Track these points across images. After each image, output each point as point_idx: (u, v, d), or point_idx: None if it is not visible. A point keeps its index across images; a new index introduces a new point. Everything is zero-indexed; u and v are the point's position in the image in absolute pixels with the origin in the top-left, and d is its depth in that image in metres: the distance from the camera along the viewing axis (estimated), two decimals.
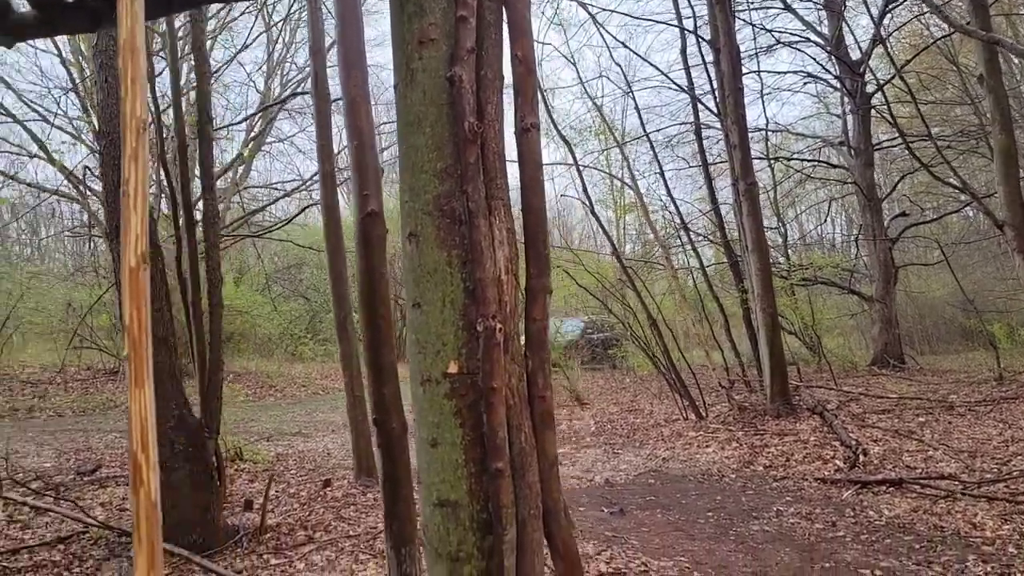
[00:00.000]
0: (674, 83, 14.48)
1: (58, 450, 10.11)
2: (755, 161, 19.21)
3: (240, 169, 24.56)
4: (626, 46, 14.22)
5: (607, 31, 16.11)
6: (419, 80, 2.33)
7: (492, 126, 2.30)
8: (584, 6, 13.16)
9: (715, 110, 13.70)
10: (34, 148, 15.89)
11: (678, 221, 15.15)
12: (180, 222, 7.60)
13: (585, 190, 12.29)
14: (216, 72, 17.93)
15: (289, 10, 18.67)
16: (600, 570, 5.46)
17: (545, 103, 11.96)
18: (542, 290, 2.34)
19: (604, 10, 15.05)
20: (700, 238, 17.91)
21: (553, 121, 11.98)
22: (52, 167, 15.43)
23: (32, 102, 16.24)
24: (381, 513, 7.02)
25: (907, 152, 15.36)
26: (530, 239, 2.36)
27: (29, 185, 16.85)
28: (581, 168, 12.85)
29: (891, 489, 7.47)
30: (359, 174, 2.80)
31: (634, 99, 15.41)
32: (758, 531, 6.54)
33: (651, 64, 15.08)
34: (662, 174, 14.88)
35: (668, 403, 12.96)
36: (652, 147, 15.05)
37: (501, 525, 2.18)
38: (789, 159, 18.75)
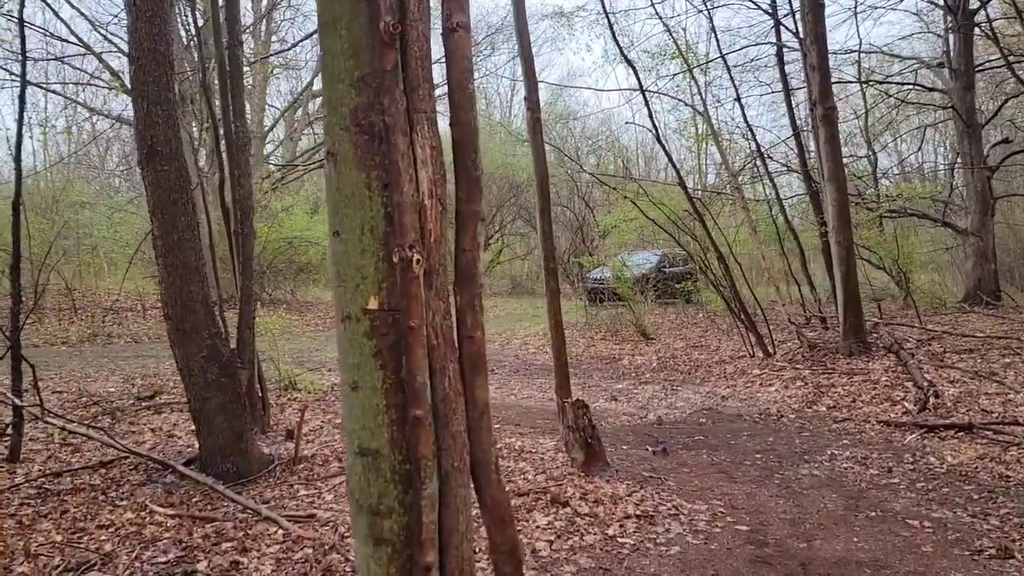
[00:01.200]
0: (753, 1, 13.57)
1: (126, 375, 10.44)
2: (847, 85, 18.09)
3: (318, 100, 24.62)
4: None
5: None
6: None
7: (415, 27, 2.00)
8: None
9: (795, 30, 12.81)
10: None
11: (754, 149, 14.40)
12: (222, 150, 7.54)
13: (651, 116, 11.71)
14: None
15: None
16: (627, 512, 5.25)
17: (610, 24, 11.36)
18: (472, 217, 2.06)
19: None
20: (780, 167, 17.07)
21: (618, 43, 11.39)
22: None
23: (105, 30, 16.47)
24: None
25: (1011, 74, 14.12)
26: (458, 158, 2.07)
27: (108, 117, 17.23)
28: (649, 94, 12.26)
29: (959, 434, 6.97)
30: None
31: (710, 19, 14.56)
32: (806, 475, 6.20)
33: None
34: (739, 99, 14.10)
35: (736, 340, 12.50)
36: (729, 70, 14.25)
37: (420, 478, 1.96)
38: (881, 82, 17.54)
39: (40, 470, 6.23)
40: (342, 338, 2.09)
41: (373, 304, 2.01)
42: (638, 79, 11.45)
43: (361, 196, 2.01)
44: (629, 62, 11.52)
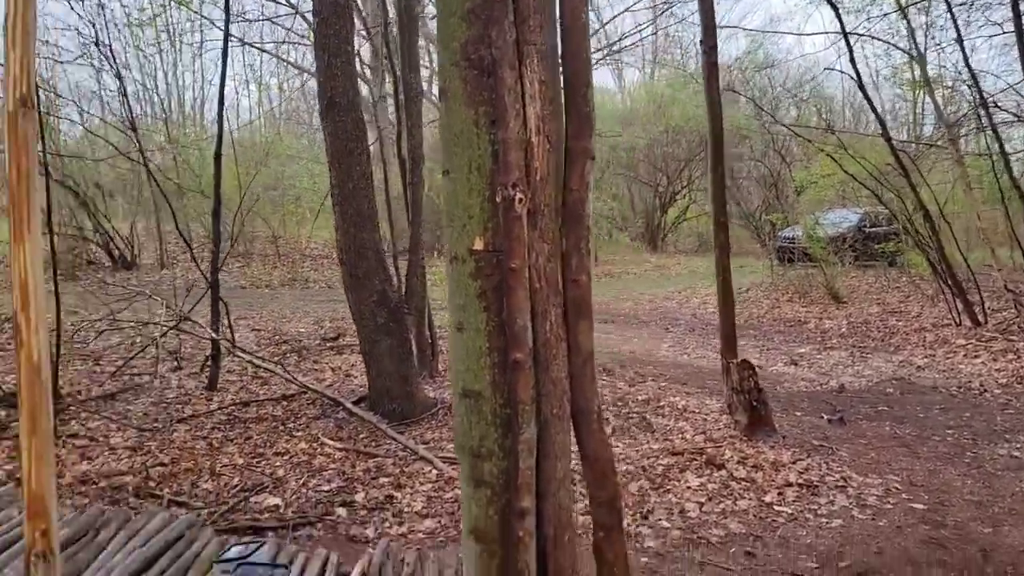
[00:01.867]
0: None
1: (317, 317, 11.16)
2: None
3: None
4: None
5: None
6: None
7: None
8: None
9: None
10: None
11: (976, 98, 12.98)
12: (400, 101, 7.78)
13: (853, 62, 10.83)
14: None
15: None
16: (788, 480, 4.99)
17: None
18: (582, 154, 1.95)
19: None
20: (1009, 117, 15.32)
21: None
22: None
23: None
24: None
25: None
26: (569, 92, 1.96)
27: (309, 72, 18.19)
28: (855, 37, 11.35)
29: None
30: None
31: None
32: (1003, 456, 5.62)
33: None
34: (960, 42, 12.71)
35: (942, 307, 11.47)
36: (950, 9, 12.86)
37: (518, 423, 1.91)
38: None
39: (232, 399, 6.81)
40: (450, 279, 2.07)
41: (479, 244, 1.97)
42: (840, 21, 10.60)
43: (469, 133, 1.96)
44: (831, 2, 10.68)
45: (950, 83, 15.47)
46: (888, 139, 10.30)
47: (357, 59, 14.60)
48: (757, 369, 9.06)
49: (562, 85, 2.00)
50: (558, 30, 1.98)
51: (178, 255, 16.87)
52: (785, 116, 25.79)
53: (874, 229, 17.33)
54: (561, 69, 1.98)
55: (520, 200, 1.87)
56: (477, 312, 2.00)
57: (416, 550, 3.65)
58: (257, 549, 2.76)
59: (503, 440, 1.98)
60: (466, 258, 2.01)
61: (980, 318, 10.52)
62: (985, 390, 7.65)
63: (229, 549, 2.78)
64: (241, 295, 14.20)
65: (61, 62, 13.58)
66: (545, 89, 1.92)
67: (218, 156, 7.54)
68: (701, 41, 5.99)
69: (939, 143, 13.49)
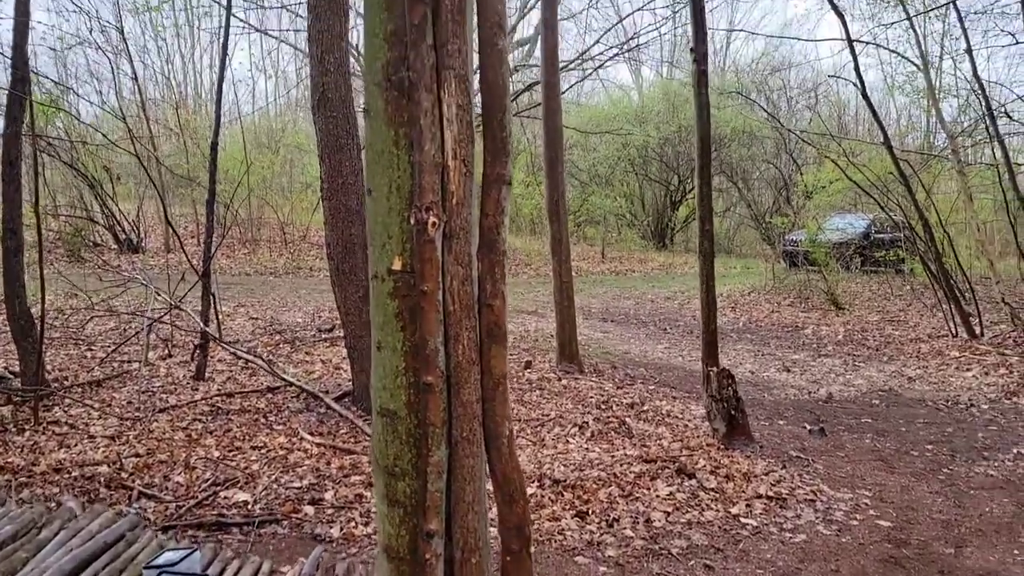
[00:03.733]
0: None
1: (316, 307, 11.21)
2: None
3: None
4: None
5: None
6: None
7: None
8: None
9: None
10: None
11: (983, 107, 12.86)
12: None
13: (857, 70, 10.74)
14: None
15: None
16: (758, 492, 4.98)
17: None
18: (496, 180, 1.95)
19: None
20: (1017, 127, 15.16)
21: None
22: None
23: None
24: (565, 401, 6.96)
25: None
26: (486, 118, 1.97)
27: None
28: (859, 44, 11.26)
29: None
30: None
31: None
32: (979, 474, 5.59)
33: None
34: (970, 52, 12.59)
35: (940, 318, 11.40)
36: (960, 19, 12.73)
37: (427, 444, 1.93)
38: None
39: (218, 389, 6.86)
40: (371, 297, 2.09)
41: (397, 264, 1.98)
42: (845, 29, 10.52)
43: (390, 154, 1.97)
44: (836, 10, 10.60)
45: (963, 92, 15.32)
46: (889, 147, 10.22)
47: (353, 53, 14.63)
48: (750, 374, 9.14)
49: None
50: (475, 56, 1.98)
51: (186, 238, 17.00)
52: (799, 119, 25.63)
53: (880, 235, 17.22)
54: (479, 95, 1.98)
55: (434, 223, 1.88)
56: (395, 331, 2.02)
57: (347, 561, 3.69)
58: (189, 555, 2.78)
59: (417, 460, 2.00)
60: (385, 277, 2.02)
61: (977, 330, 10.45)
62: (972, 404, 7.59)
63: (160, 555, 2.80)
64: (246, 281, 14.30)
65: (71, 46, 13.65)
66: (463, 114, 1.92)
67: (214, 146, 7.58)
68: (691, 48, 5.95)
69: (942, 153, 13.38)
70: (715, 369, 5.99)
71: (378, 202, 2.01)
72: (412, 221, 1.90)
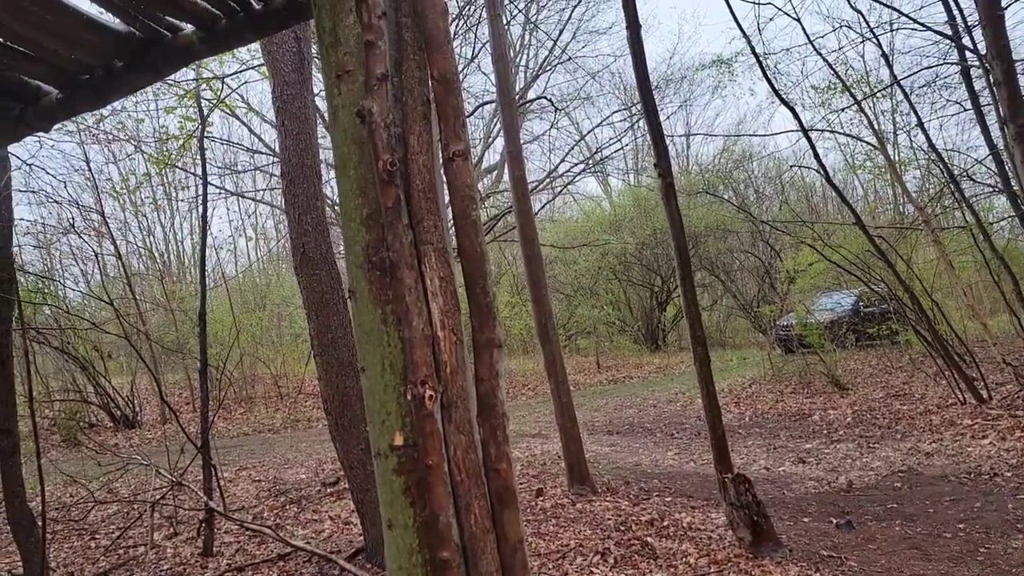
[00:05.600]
0: (918, 23, 12.61)
1: (318, 460, 11.05)
2: None
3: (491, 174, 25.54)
4: None
5: None
6: (340, 118, 2.08)
7: (416, 159, 1.99)
8: None
9: (971, 46, 11.77)
10: None
11: (945, 175, 13.24)
12: None
13: (817, 158, 11.10)
14: None
15: (459, 13, 18.79)
16: None
17: (763, 69, 10.96)
18: (487, 345, 1.98)
19: None
20: (985, 190, 15.58)
21: (772, 87, 10.98)
22: None
23: None
24: (583, 527, 6.80)
25: None
26: (469, 287, 2.02)
27: None
28: (814, 132, 11.67)
29: None
30: None
31: (878, 44, 13.67)
32: (1018, 548, 5.44)
33: (891, 7, 13.21)
34: (921, 125, 13.07)
35: (945, 386, 11.35)
36: (907, 97, 13.27)
37: None
38: None
39: (227, 564, 6.66)
40: (376, 475, 2.08)
41: (399, 440, 1.98)
42: (798, 120, 10.95)
43: (379, 332, 2.01)
44: (787, 104, 11.05)
45: (923, 162, 15.79)
46: (862, 226, 10.43)
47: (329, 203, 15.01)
48: (765, 471, 8.98)
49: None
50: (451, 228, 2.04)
51: (181, 406, 16.88)
52: (769, 206, 26.20)
53: (870, 310, 17.35)
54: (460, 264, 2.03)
55: (431, 396, 1.89)
56: (404, 508, 2.00)
57: None
58: None
59: None
60: (388, 454, 2.02)
61: (984, 394, 10.40)
62: (995, 474, 7.47)
63: None
64: (245, 442, 14.11)
65: (55, 239, 13.93)
66: (446, 285, 1.97)
67: (202, 316, 7.64)
68: (655, 164, 6.15)
69: (915, 225, 13.67)
70: (730, 476, 5.89)
71: (372, 380, 2.03)
72: (409, 396, 1.91)
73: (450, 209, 2.05)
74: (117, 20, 2.84)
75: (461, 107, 2.02)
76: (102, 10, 2.78)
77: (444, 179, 2.03)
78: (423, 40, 2.04)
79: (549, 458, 10.45)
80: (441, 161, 2.03)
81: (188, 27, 2.92)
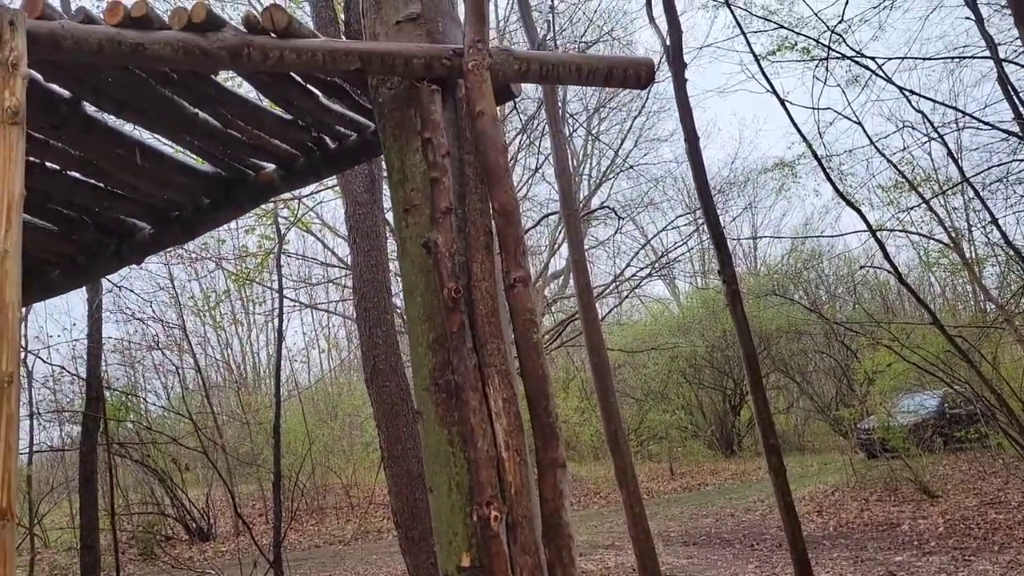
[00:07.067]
0: (983, 123, 12.55)
1: (389, 573, 10.94)
2: None
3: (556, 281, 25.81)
4: (916, 93, 12.66)
5: (895, 84, 14.49)
6: (407, 248, 2.22)
7: (480, 286, 2.10)
8: (862, 63, 12.12)
9: None
10: None
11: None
12: None
13: (888, 258, 10.97)
14: None
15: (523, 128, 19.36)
16: None
17: (825, 172, 11.00)
18: (550, 464, 2.02)
19: (892, 58, 13.68)
20: None
21: (836, 188, 11.01)
22: None
23: None
24: None
25: None
26: (532, 408, 2.08)
27: None
28: (884, 232, 11.58)
29: None
30: None
31: (944, 144, 13.59)
32: None
33: (955, 108, 13.23)
34: (995, 222, 12.82)
35: None
36: (977, 194, 13.08)
37: None
38: None
39: None
40: None
41: (466, 561, 2.01)
42: (865, 221, 10.85)
43: (445, 452, 2.07)
44: (852, 205, 11.01)
45: (1002, 259, 15.40)
46: (939, 326, 10.16)
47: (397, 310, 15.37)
48: None
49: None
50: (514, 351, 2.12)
51: (254, 517, 16.99)
52: (842, 305, 25.68)
53: (956, 411, 16.62)
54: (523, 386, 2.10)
55: (496, 517, 1.93)
56: None
57: None
58: None
59: None
60: (456, 575, 2.04)
61: None
62: None
63: None
64: (316, 555, 14.07)
65: (139, 356, 14.54)
66: (510, 406, 2.03)
67: (276, 428, 7.83)
68: (719, 272, 6.19)
69: (996, 323, 13.23)
70: None
71: (439, 500, 2.08)
72: (475, 517, 1.95)
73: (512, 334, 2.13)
74: (206, 164, 3.11)
75: (521, 236, 2.13)
76: (193, 155, 3.06)
77: (506, 305, 2.12)
78: (484, 175, 2.18)
79: (623, 571, 10.15)
80: (503, 287, 2.13)
81: (269, 166, 3.17)
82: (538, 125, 19.90)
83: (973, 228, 18.45)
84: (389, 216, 11.89)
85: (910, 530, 11.11)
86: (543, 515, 2.03)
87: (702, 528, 13.74)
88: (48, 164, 2.83)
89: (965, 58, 13.15)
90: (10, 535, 1.64)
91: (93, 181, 3.03)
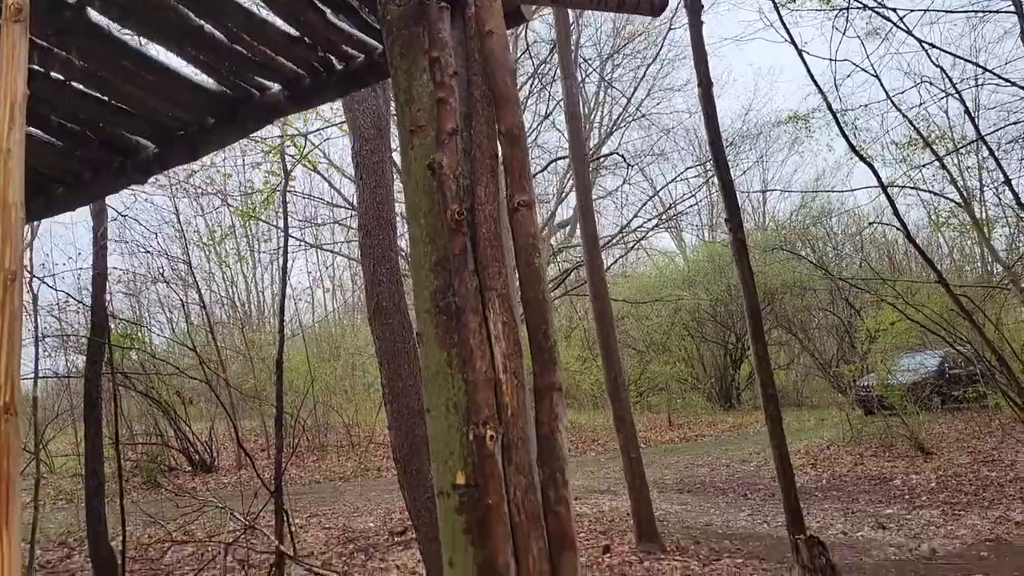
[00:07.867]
0: (1003, 79, 12.36)
1: (387, 509, 11.13)
2: None
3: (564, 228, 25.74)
4: (936, 47, 12.44)
5: (916, 37, 14.20)
6: (412, 170, 2.20)
7: (483, 209, 2.08)
8: (883, 15, 11.90)
9: None
10: None
11: None
12: None
13: (897, 215, 10.91)
14: None
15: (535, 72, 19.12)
16: None
17: (840, 126, 10.88)
18: (547, 389, 2.04)
19: (915, 10, 13.41)
20: None
21: (850, 143, 10.89)
22: None
23: None
24: None
25: None
26: (530, 333, 2.08)
27: None
28: (895, 188, 11.49)
29: None
30: None
31: (961, 100, 13.40)
32: None
33: (975, 63, 13.00)
34: (1008, 183, 12.72)
35: None
36: (992, 153, 12.95)
37: None
38: None
39: None
40: (439, 514, 2.14)
41: (461, 479, 2.04)
42: (877, 177, 10.78)
43: (444, 374, 2.08)
44: (865, 160, 10.91)
45: (1012, 220, 15.30)
46: (945, 285, 10.14)
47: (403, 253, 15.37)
48: (842, 536, 8.67)
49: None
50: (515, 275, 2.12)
51: (256, 451, 17.24)
52: (849, 263, 25.60)
53: (956, 371, 16.68)
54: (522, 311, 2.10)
55: (492, 437, 1.95)
56: (465, 547, 2.04)
57: None
58: None
59: None
60: (450, 492, 2.07)
61: None
62: None
63: None
64: (316, 489, 14.32)
65: (145, 287, 14.59)
66: (509, 330, 2.04)
67: (279, 364, 7.88)
68: (726, 219, 6.16)
69: (1002, 284, 13.19)
70: (803, 537, 5.73)
71: (437, 420, 2.10)
72: (471, 437, 1.97)
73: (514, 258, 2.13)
74: (211, 80, 3.08)
75: (526, 160, 2.11)
76: (198, 71, 3.02)
77: (509, 228, 2.11)
78: (492, 97, 2.15)
79: (618, 515, 10.30)
80: (507, 211, 2.12)
81: (275, 86, 3.14)
82: (550, 70, 19.66)
83: (985, 188, 18.32)
84: (396, 155, 11.83)
85: (902, 484, 11.25)
86: (538, 438, 2.05)
87: (697, 477, 13.91)
88: (52, 74, 2.81)
89: (989, 12, 12.89)
90: (14, 428, 1.66)
91: (97, 94, 3.01)
